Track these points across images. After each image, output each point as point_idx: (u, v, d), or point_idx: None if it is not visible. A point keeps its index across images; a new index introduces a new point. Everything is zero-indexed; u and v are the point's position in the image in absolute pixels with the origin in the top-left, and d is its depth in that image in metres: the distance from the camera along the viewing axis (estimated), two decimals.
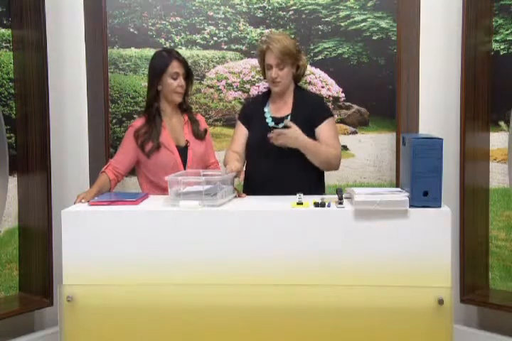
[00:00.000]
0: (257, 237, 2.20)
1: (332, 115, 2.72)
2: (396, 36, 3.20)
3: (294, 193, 2.31)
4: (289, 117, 2.63)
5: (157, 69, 2.64)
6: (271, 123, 2.67)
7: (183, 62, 2.66)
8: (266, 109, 2.71)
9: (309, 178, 2.64)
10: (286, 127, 2.53)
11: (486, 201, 3.07)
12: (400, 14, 3.16)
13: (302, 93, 2.73)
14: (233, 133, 2.80)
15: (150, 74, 2.68)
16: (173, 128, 2.70)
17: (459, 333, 2.84)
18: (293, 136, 2.49)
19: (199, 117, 2.82)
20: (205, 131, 2.78)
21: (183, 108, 2.75)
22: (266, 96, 2.77)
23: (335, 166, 2.65)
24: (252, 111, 2.75)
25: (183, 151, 2.68)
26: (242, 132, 2.74)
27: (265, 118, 2.69)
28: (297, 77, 2.72)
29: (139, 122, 2.69)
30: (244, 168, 2.69)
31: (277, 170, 2.61)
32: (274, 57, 2.59)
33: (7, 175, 3.00)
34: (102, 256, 2.21)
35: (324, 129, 2.63)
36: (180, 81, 2.63)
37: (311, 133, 2.59)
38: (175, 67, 2.63)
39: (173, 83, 2.63)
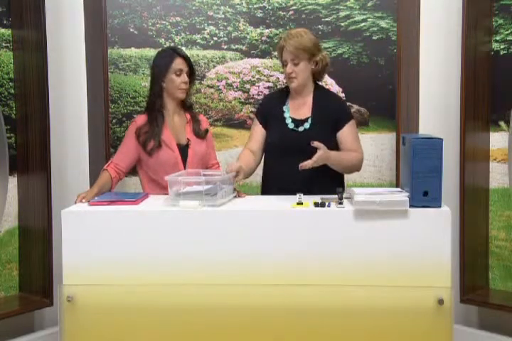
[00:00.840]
0: (257, 237, 2.20)
1: (353, 117, 2.69)
2: (396, 36, 3.19)
3: (314, 194, 2.33)
4: (310, 120, 2.61)
5: (162, 65, 2.65)
6: (291, 125, 2.63)
7: (186, 59, 2.69)
8: (285, 108, 2.67)
9: (330, 179, 2.59)
10: (307, 129, 2.56)
11: (486, 201, 3.07)
12: (400, 14, 3.16)
13: (322, 93, 2.69)
14: (250, 130, 2.77)
15: (154, 70, 2.68)
16: (175, 126, 2.70)
17: (459, 333, 2.84)
18: (325, 157, 2.42)
19: (202, 118, 2.82)
20: (206, 130, 2.78)
21: (186, 105, 2.76)
22: (285, 94, 2.72)
23: (358, 168, 2.66)
24: (270, 109, 2.71)
25: (183, 150, 2.68)
26: (259, 131, 2.71)
27: (284, 118, 2.65)
28: (317, 74, 2.67)
29: (140, 119, 2.69)
30: (259, 167, 2.70)
31: (297, 171, 2.52)
32: (288, 52, 2.57)
33: (7, 175, 3.00)
34: (102, 256, 2.21)
35: (347, 133, 2.62)
36: (184, 77, 2.66)
37: (332, 137, 2.58)
38: (179, 63, 2.65)
39: (176, 79, 2.64)
